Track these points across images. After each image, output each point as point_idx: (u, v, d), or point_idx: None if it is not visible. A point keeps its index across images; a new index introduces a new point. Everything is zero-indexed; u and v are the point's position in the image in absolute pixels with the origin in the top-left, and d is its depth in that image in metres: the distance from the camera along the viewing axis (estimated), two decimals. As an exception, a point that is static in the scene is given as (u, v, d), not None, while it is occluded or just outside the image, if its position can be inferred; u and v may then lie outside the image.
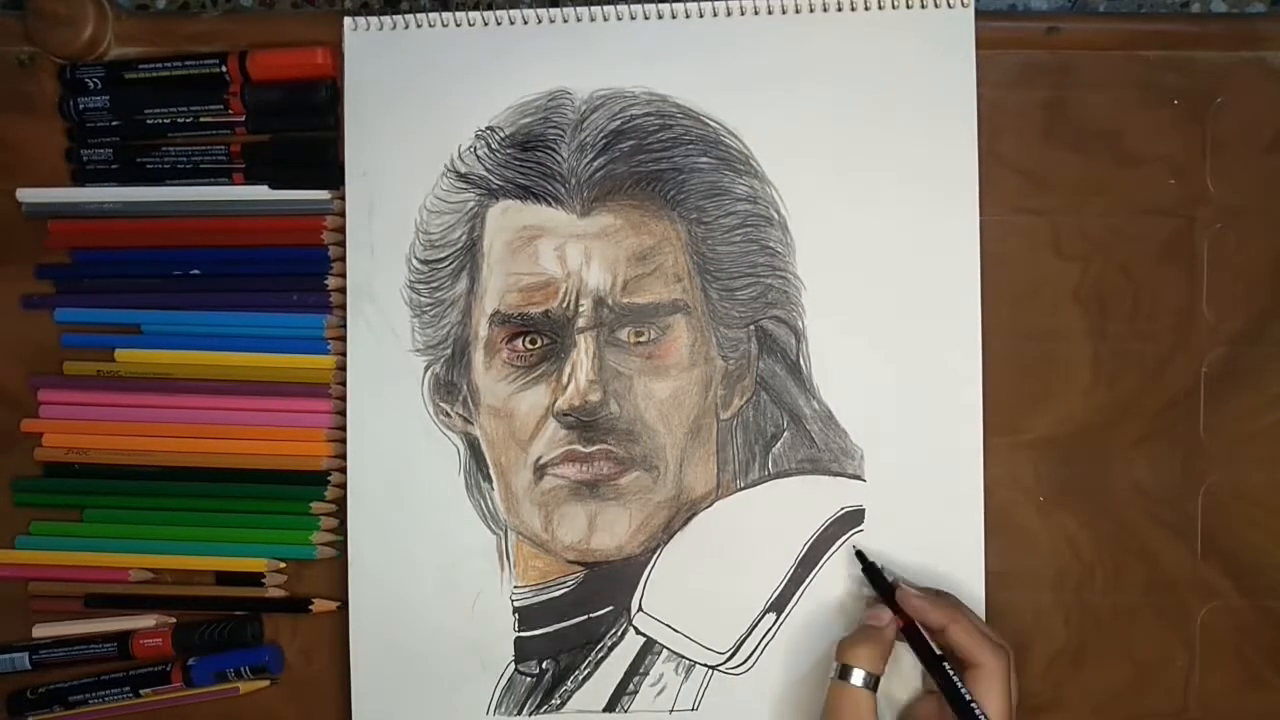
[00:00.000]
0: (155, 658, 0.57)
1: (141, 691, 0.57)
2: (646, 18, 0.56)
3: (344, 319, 0.57)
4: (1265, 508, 0.56)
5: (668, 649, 0.56)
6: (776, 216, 0.55)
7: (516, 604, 0.56)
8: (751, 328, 0.56)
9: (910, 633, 0.50)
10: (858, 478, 0.55)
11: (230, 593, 0.58)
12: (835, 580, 0.55)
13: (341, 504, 0.57)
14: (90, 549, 0.58)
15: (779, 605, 0.55)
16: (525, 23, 0.56)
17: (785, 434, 0.56)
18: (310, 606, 0.57)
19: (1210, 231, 0.56)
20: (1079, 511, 0.56)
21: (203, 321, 0.58)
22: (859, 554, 0.54)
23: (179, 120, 0.58)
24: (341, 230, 0.57)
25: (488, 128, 0.56)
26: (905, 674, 0.53)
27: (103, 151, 0.58)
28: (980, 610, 0.55)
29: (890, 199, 0.55)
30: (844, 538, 0.55)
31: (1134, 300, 0.56)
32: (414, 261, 0.56)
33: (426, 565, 0.56)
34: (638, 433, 0.55)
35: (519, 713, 0.56)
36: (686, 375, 0.55)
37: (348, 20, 0.56)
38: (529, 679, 0.56)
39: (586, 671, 0.56)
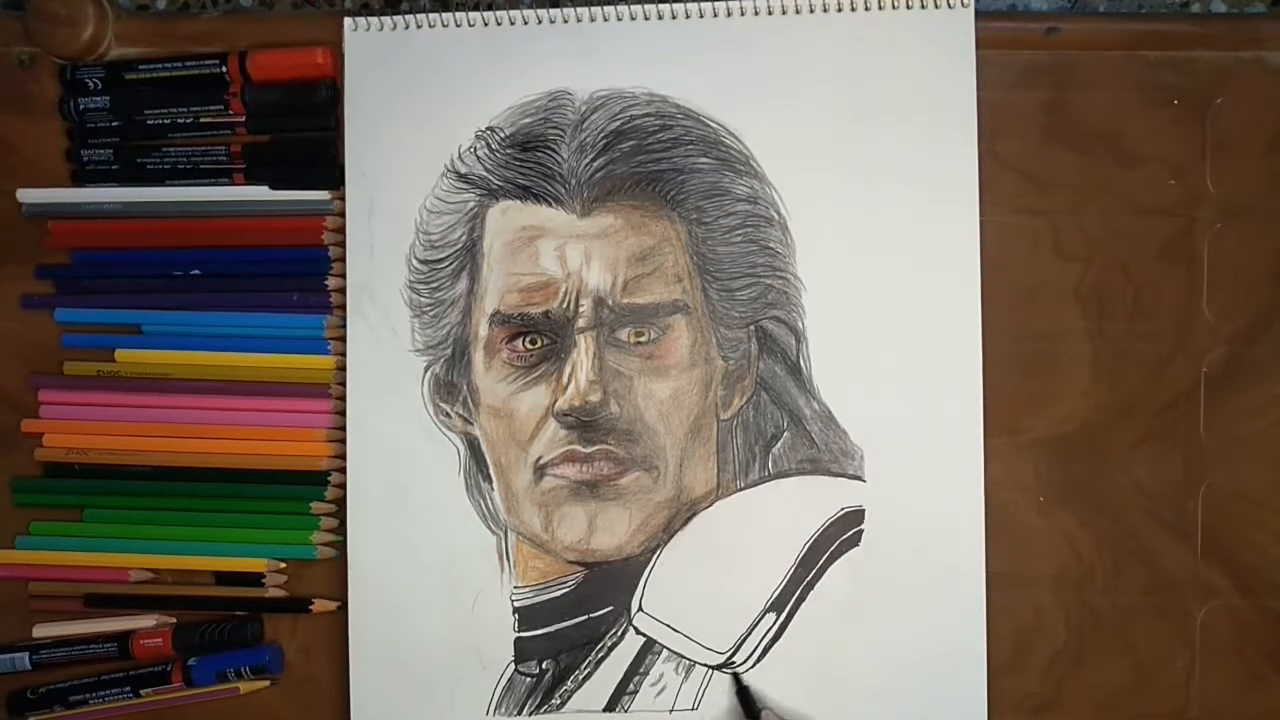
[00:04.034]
0: (155, 658, 0.57)
1: (142, 691, 0.57)
2: (646, 18, 0.56)
3: (344, 319, 0.57)
4: (1265, 508, 0.56)
5: (668, 649, 0.56)
6: (776, 217, 0.55)
7: (516, 604, 0.56)
8: (751, 328, 0.56)
9: None
10: (858, 478, 0.55)
11: (230, 593, 0.58)
12: (835, 580, 0.55)
13: (341, 504, 0.57)
14: (90, 549, 0.58)
15: (779, 605, 0.55)
16: (525, 23, 0.56)
17: (785, 434, 0.56)
18: (310, 606, 0.57)
19: (1210, 231, 0.56)
20: (1079, 511, 0.56)
21: (203, 322, 0.58)
22: (735, 678, 0.55)
23: (179, 120, 0.58)
24: (341, 230, 0.57)
25: (488, 128, 0.56)
26: None
27: (103, 152, 0.58)
28: (981, 610, 0.55)
29: (890, 199, 0.55)
30: (844, 538, 0.55)
31: (1134, 300, 0.56)
32: (414, 261, 0.56)
33: (426, 565, 0.56)
34: (638, 433, 0.55)
35: (519, 713, 0.56)
36: (686, 375, 0.55)
37: (348, 21, 0.56)
38: (529, 679, 0.56)
39: (586, 671, 0.56)
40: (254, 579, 0.57)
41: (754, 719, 0.54)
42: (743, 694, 0.55)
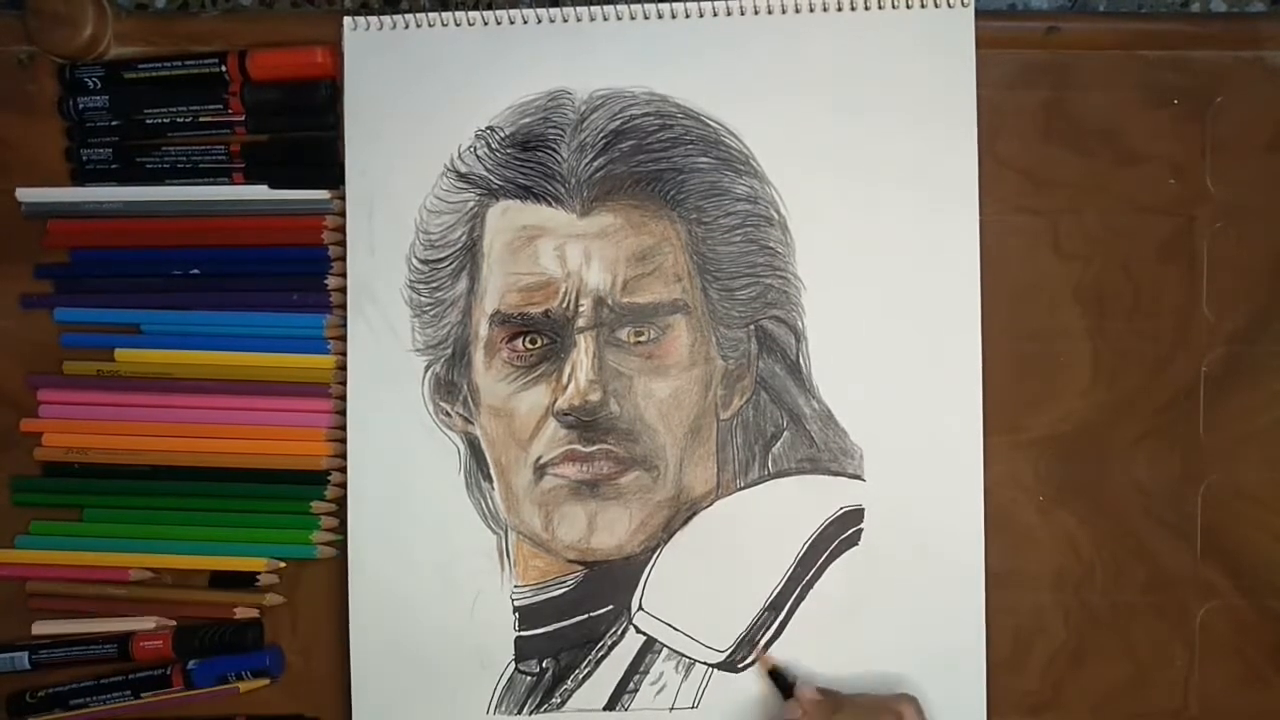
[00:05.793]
0: (156, 660, 0.57)
1: (141, 695, 0.57)
2: (646, 18, 0.56)
3: (344, 319, 0.57)
4: (1265, 507, 0.56)
5: (668, 648, 0.56)
6: (776, 216, 0.55)
7: (516, 603, 0.56)
8: (751, 327, 0.56)
9: None
10: (857, 477, 0.55)
11: (221, 598, 0.57)
12: (835, 580, 0.55)
13: (342, 504, 0.57)
14: (90, 549, 0.58)
15: (778, 604, 0.55)
16: (525, 23, 0.56)
17: (785, 434, 0.56)
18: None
19: (1210, 230, 0.56)
20: (1079, 511, 0.56)
21: (203, 321, 0.58)
22: (766, 660, 0.55)
23: (178, 120, 0.58)
24: (341, 230, 0.57)
25: (488, 127, 0.56)
26: None
27: (102, 151, 0.58)
28: (980, 609, 0.55)
29: (890, 199, 0.55)
30: (843, 537, 0.55)
31: (1134, 299, 0.56)
32: (414, 261, 0.56)
33: (426, 565, 0.56)
34: (638, 432, 0.55)
35: (519, 712, 0.56)
36: (686, 375, 0.55)
37: (347, 20, 0.56)
38: (529, 678, 0.56)
39: (587, 670, 0.56)
40: (252, 579, 0.57)
41: (788, 692, 0.53)
42: (773, 673, 0.54)
